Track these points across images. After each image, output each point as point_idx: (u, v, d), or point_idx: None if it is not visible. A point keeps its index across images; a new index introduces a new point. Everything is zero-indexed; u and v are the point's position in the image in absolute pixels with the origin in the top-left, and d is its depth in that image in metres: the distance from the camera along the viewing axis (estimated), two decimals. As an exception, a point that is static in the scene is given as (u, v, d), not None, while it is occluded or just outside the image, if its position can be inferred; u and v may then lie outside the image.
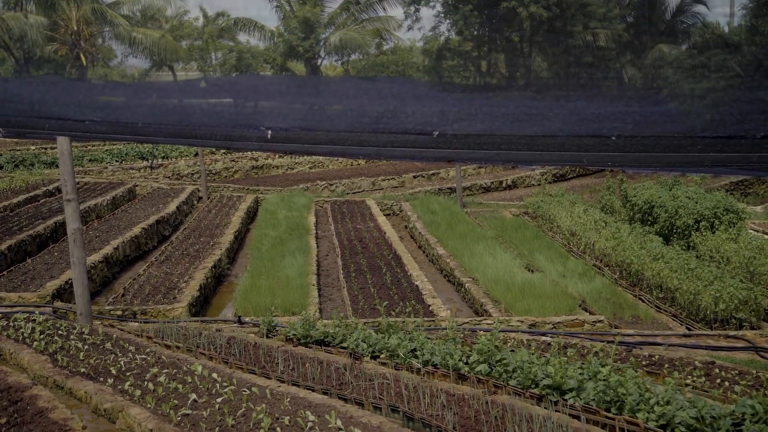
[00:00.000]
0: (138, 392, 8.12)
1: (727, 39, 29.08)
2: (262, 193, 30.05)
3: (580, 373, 7.80)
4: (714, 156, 3.32)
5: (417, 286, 16.55)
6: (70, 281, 14.98)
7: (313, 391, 8.34)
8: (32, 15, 42.85)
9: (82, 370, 9.12)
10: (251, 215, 26.76)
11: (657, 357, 10.80)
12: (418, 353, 9.46)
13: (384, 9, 48.06)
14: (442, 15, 39.83)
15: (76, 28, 42.01)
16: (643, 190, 23.13)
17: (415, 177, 34.74)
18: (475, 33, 39.43)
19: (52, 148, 35.12)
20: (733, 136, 3.22)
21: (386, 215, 27.05)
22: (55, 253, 18.33)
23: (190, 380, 8.43)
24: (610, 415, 6.94)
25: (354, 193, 32.55)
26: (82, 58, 42.74)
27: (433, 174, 35.14)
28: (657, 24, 39.54)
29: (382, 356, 9.78)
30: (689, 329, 14.34)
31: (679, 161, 3.65)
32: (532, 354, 9.51)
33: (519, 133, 3.98)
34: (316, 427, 6.75)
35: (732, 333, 12.91)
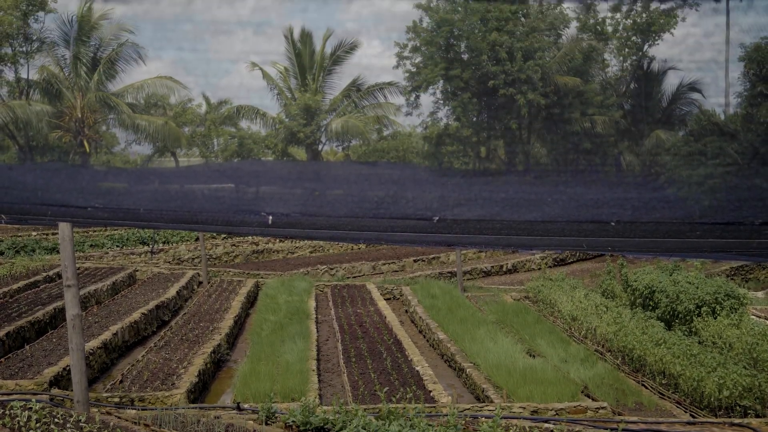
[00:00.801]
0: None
1: (723, 127, 29.46)
2: (262, 278, 29.98)
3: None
4: (713, 242, 3.33)
5: (418, 371, 16.40)
6: (68, 368, 14.86)
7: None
8: (37, 103, 43.45)
9: (78, 458, 8.98)
10: (251, 300, 26.66)
11: (662, 445, 10.64)
12: (419, 441, 9.32)
13: (384, 96, 48.73)
14: (442, 102, 40.38)
15: (80, 116, 42.54)
16: (644, 275, 23.09)
17: (415, 261, 34.72)
18: (474, 119, 39.91)
19: (53, 234, 35.18)
20: (731, 222, 3.23)
21: (387, 299, 26.95)
22: (54, 340, 18.21)
23: (187, 469, 8.29)
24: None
25: (354, 277, 32.50)
26: (86, 145, 43.16)
27: (434, 258, 35.12)
28: (654, 111, 40.12)
29: (382, 444, 9.64)
30: (693, 417, 14.15)
31: (678, 247, 3.65)
32: (535, 442, 9.38)
33: (519, 219, 3.99)
34: None
35: (737, 421, 12.74)
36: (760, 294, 29.16)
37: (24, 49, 44.32)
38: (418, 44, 39.11)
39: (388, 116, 49.46)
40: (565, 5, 37.98)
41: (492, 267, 34.15)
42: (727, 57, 38.41)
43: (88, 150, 43.51)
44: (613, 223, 3.62)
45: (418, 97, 40.82)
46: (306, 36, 48.59)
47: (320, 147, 49.36)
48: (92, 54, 44.40)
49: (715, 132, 28.43)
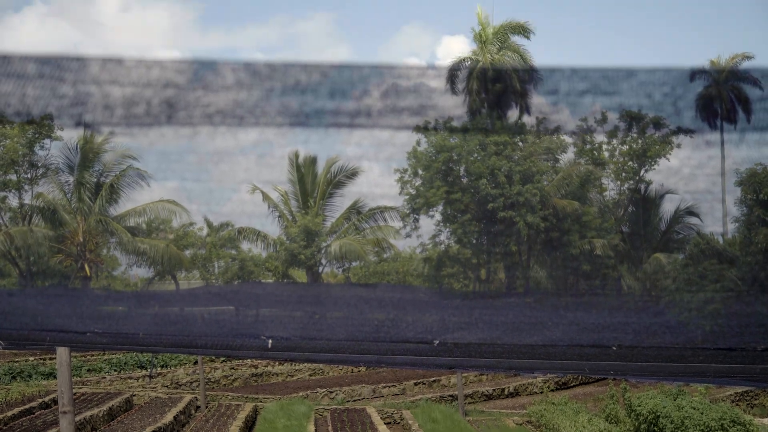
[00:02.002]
0: None
1: (721, 251, 29.68)
2: (261, 401, 29.54)
3: None
4: (716, 367, 3.32)
5: (419, 500, 15.99)
6: (59, 495, 14.47)
7: None
8: (39, 228, 43.79)
9: None
10: (250, 425, 26.20)
11: None
12: None
13: (384, 219, 49.12)
14: (441, 224, 40.67)
15: (82, 240, 42.80)
16: (647, 400, 22.78)
17: (416, 384, 34.27)
18: (474, 242, 40.11)
19: (50, 359, 34.83)
20: (734, 348, 3.23)
21: (387, 424, 26.48)
22: (47, 466, 17.83)
23: None
24: None
25: (354, 400, 32.01)
26: (86, 269, 43.25)
27: (435, 381, 34.70)
28: (652, 235, 40.41)
29: None
30: None
31: (681, 371, 3.63)
32: None
33: (520, 342, 3.99)
34: None
35: None
36: (766, 421, 28.68)
37: (29, 175, 44.94)
38: (418, 168, 39.70)
39: (387, 239, 49.73)
40: (562, 129, 38.72)
41: (494, 390, 33.70)
42: (724, 187, 39.02)
43: (88, 273, 43.56)
44: (614, 348, 3.61)
45: (417, 219, 41.15)
46: (309, 160, 49.35)
47: (321, 269, 49.42)
48: (95, 179, 45.02)
49: (714, 256, 28.62)
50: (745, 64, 43.73)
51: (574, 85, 6.92)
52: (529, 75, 41.47)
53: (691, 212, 40.98)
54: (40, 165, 44.70)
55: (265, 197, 49.16)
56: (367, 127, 6.53)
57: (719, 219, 38.97)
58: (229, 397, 30.49)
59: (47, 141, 44.40)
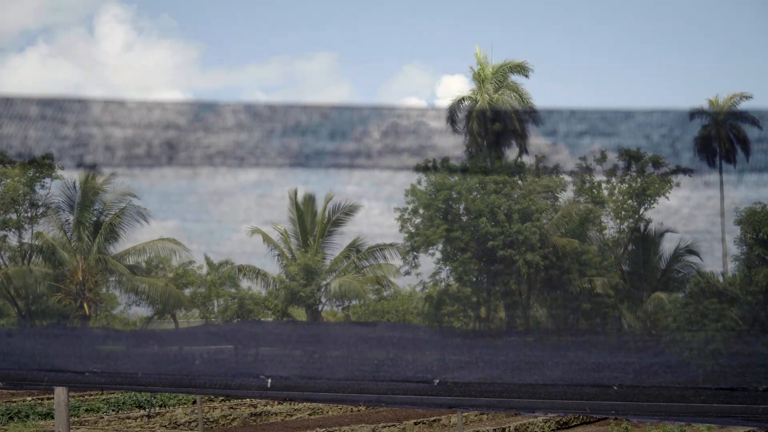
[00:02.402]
0: None
1: (722, 290, 29.67)
2: (259, 443, 29.33)
3: None
4: (718, 407, 3.32)
5: None
6: None
7: None
8: (38, 266, 43.77)
9: None
10: (248, 466, 25.98)
11: None
12: None
13: (384, 257, 49.09)
14: (441, 262, 40.62)
15: (81, 279, 42.75)
16: (650, 439, 22.63)
17: (416, 424, 34.02)
18: (474, 279, 40.04)
19: (48, 399, 34.61)
20: (735, 388, 3.23)
21: (387, 466, 26.25)
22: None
23: None
24: None
25: (354, 441, 31.74)
26: (85, 308, 43.16)
27: (435, 420, 34.46)
28: (652, 273, 40.40)
29: None
30: None
31: (683, 411, 3.63)
32: None
33: (520, 382, 3.98)
34: None
35: None
36: (769, 459, 28.42)
37: (29, 214, 45.00)
38: (417, 207, 39.75)
39: (387, 277, 49.66)
40: (561, 167, 38.81)
41: (494, 430, 33.42)
42: (723, 227, 39.06)
43: (87, 312, 43.46)
44: (615, 387, 3.61)
45: (417, 257, 41.11)
46: (308, 199, 49.44)
47: (320, 307, 49.31)
48: (95, 218, 45.09)
49: (715, 295, 28.60)
50: (744, 104, 44.01)
51: (573, 126, 6.96)
52: (529, 115, 41.74)
53: (690, 251, 40.97)
54: (40, 204, 44.78)
55: (265, 238, 49.15)
56: (367, 168, 6.57)
57: (719, 258, 38.98)
58: (228, 437, 30.28)
59: (48, 180, 44.51)
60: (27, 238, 45.66)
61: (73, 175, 42.95)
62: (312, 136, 5.90)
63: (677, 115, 6.28)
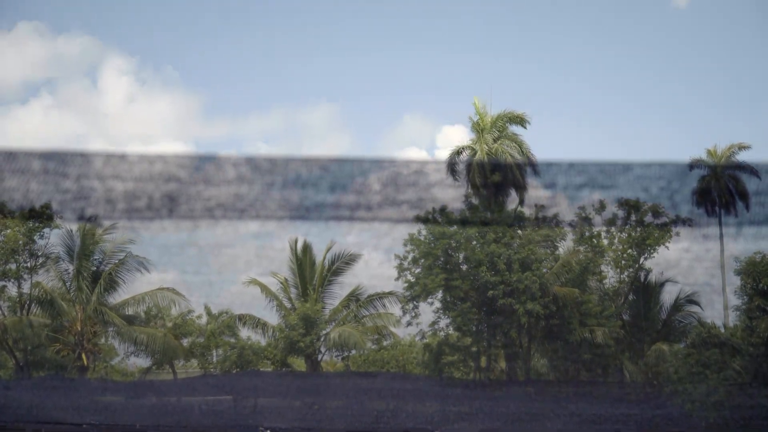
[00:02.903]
0: None
1: (724, 340, 29.55)
2: (258, 496, 28.92)
3: None
4: (720, 462, 3.30)
5: None
6: None
7: None
8: (36, 317, 43.58)
9: None
10: None
11: None
12: None
13: (384, 306, 48.78)
14: (441, 311, 40.46)
15: (79, 329, 42.52)
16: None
17: (416, 477, 33.61)
18: (474, 329, 39.85)
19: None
20: (736, 442, 3.21)
21: None
22: None
23: None
24: None
25: (353, 494, 31.30)
26: (83, 359, 42.86)
27: (436, 474, 34.05)
28: (653, 323, 40.33)
29: None
30: None
31: (685, 466, 3.61)
32: None
33: (521, 435, 3.96)
34: None
35: None
36: None
37: (28, 264, 44.85)
38: (417, 255, 39.67)
39: (387, 326, 49.32)
40: (561, 217, 38.91)
41: (496, 483, 33.00)
42: (724, 280, 39.02)
43: (86, 363, 43.13)
44: (616, 441, 3.60)
45: (417, 306, 40.93)
46: (308, 248, 49.32)
47: (320, 357, 48.96)
48: (95, 267, 44.95)
49: (716, 346, 28.46)
50: (742, 155, 44.11)
51: (572, 178, 7.00)
52: (528, 167, 41.78)
53: (691, 301, 40.88)
54: (40, 254, 44.63)
55: (263, 288, 48.92)
56: (367, 220, 6.59)
57: (720, 308, 38.94)
58: (226, 490, 29.87)
59: (47, 230, 44.41)
60: (26, 288, 45.46)
61: (72, 225, 42.89)
62: (312, 189, 5.94)
63: (675, 168, 6.34)
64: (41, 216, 41.91)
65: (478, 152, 42.19)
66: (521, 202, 42.72)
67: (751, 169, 35.96)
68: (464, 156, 43.35)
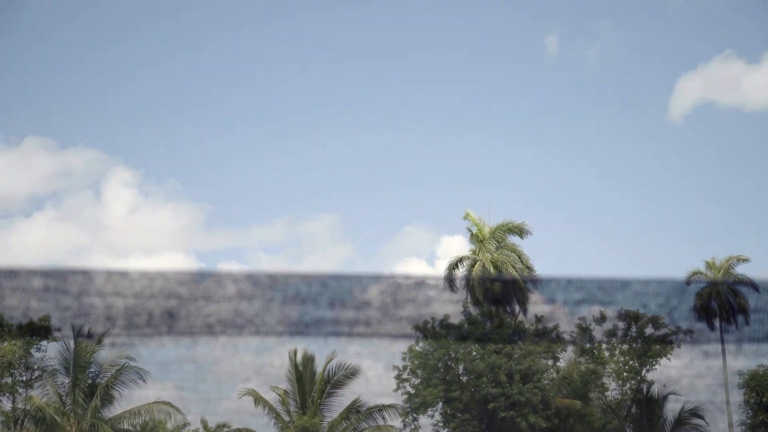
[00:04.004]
0: None
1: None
2: None
3: None
4: None
5: None
6: None
7: None
8: (29, 432, 42.88)
9: None
10: None
11: None
12: None
13: (383, 418, 48.08)
14: (441, 424, 39.89)
15: (75, 443, 41.78)
16: None
17: None
18: (475, 441, 39.22)
19: None
20: None
21: None
22: None
23: None
24: None
25: None
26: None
27: None
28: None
29: None
30: None
31: None
32: None
33: None
34: None
35: None
36: None
37: (24, 377, 44.44)
38: (415, 367, 39.37)
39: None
40: (561, 329, 38.78)
41: None
42: (728, 397, 38.68)
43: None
44: None
45: (416, 419, 40.40)
46: (307, 358, 48.91)
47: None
48: (91, 380, 44.52)
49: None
50: (741, 267, 44.19)
51: (570, 294, 7.04)
52: (528, 282, 41.81)
53: (695, 414, 40.34)
54: (36, 367, 44.27)
55: (261, 401, 48.28)
56: (367, 336, 6.60)
57: (724, 426, 38.48)
58: None
59: (44, 342, 44.17)
60: (20, 402, 44.89)
61: (71, 340, 42.60)
62: (312, 305, 5.96)
63: (674, 284, 6.37)
64: (39, 329, 41.79)
65: (478, 263, 42.32)
66: (522, 312, 42.65)
67: (752, 285, 36.02)
68: (464, 267, 43.50)
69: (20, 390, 44.41)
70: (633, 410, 40.48)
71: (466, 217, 43.72)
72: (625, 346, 39.20)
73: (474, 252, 42.98)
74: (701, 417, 40.21)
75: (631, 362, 39.26)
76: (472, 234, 43.62)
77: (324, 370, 48.70)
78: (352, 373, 48.82)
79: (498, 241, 43.08)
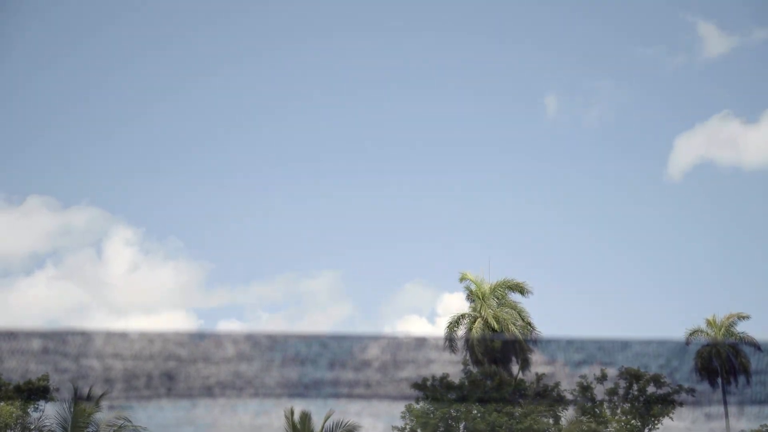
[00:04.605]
0: None
1: None
2: None
3: None
4: None
5: None
6: None
7: None
8: None
9: None
10: None
11: None
12: None
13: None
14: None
15: None
16: None
17: None
18: None
19: None
20: None
21: None
22: None
23: None
24: None
25: None
26: None
27: None
28: None
29: None
30: None
31: None
32: None
33: None
34: None
35: None
36: None
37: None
38: (415, 426, 38.94)
39: None
40: (561, 387, 38.46)
41: None
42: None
43: None
44: None
45: None
46: (305, 417, 48.36)
47: None
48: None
49: None
50: (742, 325, 44.03)
51: (571, 355, 7.01)
52: (528, 337, 41.71)
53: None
54: (33, 427, 43.76)
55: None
56: (366, 397, 6.55)
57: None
58: None
59: (42, 402, 43.77)
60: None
61: (69, 401, 42.20)
62: (311, 366, 5.95)
63: (674, 345, 6.37)
64: (37, 390, 41.45)
65: (478, 320, 42.21)
66: (523, 369, 42.34)
67: (755, 345, 35.84)
68: (464, 324, 43.40)
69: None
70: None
71: (463, 278, 43.77)
72: (627, 405, 38.83)
73: (474, 309, 42.86)
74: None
75: (633, 421, 38.84)
76: (471, 291, 43.55)
77: (322, 429, 48.17)
78: (351, 431, 48.29)
79: (498, 298, 43.00)
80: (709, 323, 43.61)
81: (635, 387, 38.16)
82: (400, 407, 37.76)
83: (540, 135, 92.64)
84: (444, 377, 36.84)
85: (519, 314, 42.52)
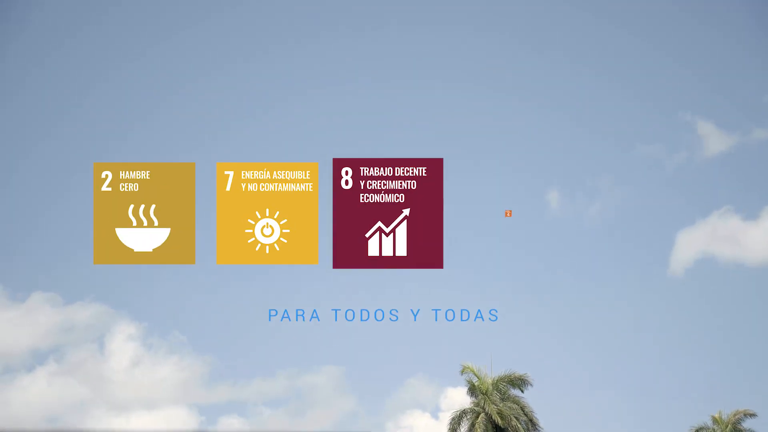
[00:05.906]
0: None
1: None
2: None
3: None
4: None
5: None
6: None
7: None
8: None
9: None
10: None
11: None
12: None
13: None
14: None
15: None
16: None
17: None
18: None
19: None
20: None
21: None
22: None
23: None
24: None
25: None
26: None
27: None
28: None
29: None
30: None
31: None
32: None
33: None
34: None
35: None
36: None
37: None
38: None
39: None
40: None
41: None
42: None
43: None
44: None
45: None
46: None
47: None
48: None
49: None
50: (748, 422, 44.07)
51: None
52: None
53: None
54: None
55: None
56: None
57: None
58: None
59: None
60: None
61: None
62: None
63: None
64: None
65: (481, 415, 40.53)
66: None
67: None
68: (468, 419, 41.90)
69: None
70: None
71: (464, 371, 41.23)
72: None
73: (476, 404, 41.57)
74: None
75: None
76: (473, 385, 41.17)
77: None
78: None
79: (501, 393, 41.57)
80: (714, 420, 43.48)
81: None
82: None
83: (542, 232, 72.64)
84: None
85: (522, 409, 41.98)
